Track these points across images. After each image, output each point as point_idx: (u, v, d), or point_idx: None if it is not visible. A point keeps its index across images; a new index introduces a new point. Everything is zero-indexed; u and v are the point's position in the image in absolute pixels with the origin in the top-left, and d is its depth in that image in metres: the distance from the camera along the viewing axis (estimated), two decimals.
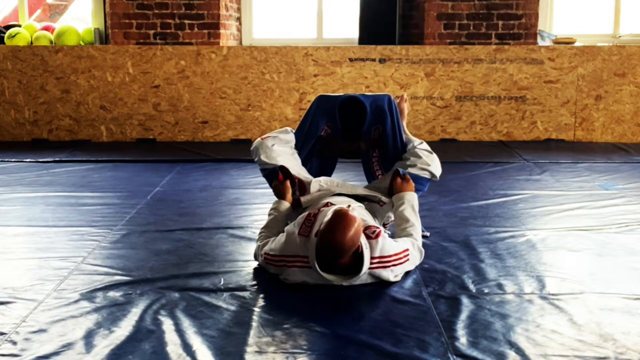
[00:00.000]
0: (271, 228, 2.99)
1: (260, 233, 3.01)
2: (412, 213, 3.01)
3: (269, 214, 3.08)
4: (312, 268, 2.61)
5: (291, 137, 3.34)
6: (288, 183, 3.12)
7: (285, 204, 3.08)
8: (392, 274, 2.70)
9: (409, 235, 2.90)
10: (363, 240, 2.60)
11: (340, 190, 3.14)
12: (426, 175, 3.25)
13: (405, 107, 3.67)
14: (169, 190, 4.40)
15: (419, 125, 6.09)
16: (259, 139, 3.32)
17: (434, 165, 3.28)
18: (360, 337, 2.27)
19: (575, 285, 2.72)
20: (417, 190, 3.18)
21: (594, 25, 6.86)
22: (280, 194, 3.11)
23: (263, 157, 3.21)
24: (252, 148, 3.31)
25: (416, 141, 3.38)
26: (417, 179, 3.19)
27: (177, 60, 6.05)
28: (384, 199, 3.14)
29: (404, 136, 3.41)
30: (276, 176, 3.14)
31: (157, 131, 6.15)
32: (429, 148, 3.35)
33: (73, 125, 6.14)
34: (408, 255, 2.77)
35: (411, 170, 3.21)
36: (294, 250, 2.68)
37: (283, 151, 3.25)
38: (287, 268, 2.70)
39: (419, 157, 3.26)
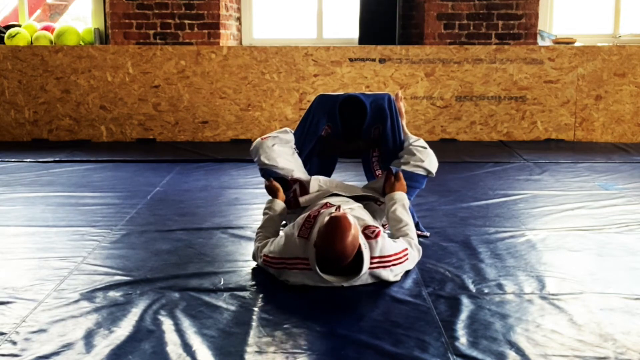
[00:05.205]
0: (268, 228, 2.99)
1: (257, 234, 3.01)
2: (403, 212, 3.00)
3: (264, 213, 3.08)
4: (313, 270, 2.60)
5: (291, 137, 3.34)
6: (274, 182, 3.13)
7: (280, 203, 3.08)
8: (392, 274, 2.70)
9: (405, 235, 2.90)
10: (362, 240, 2.60)
11: (339, 190, 3.14)
12: (420, 172, 3.22)
13: (402, 105, 3.65)
14: (169, 190, 4.40)
15: (419, 125, 6.09)
16: (259, 139, 3.32)
17: (427, 161, 3.24)
18: (360, 337, 2.27)
19: (575, 285, 2.72)
20: (413, 188, 3.17)
21: (594, 25, 6.86)
22: (272, 194, 3.13)
23: (263, 158, 3.21)
24: (251, 148, 3.30)
25: (412, 138, 3.34)
26: (411, 176, 3.17)
27: (177, 60, 6.05)
28: (382, 198, 3.14)
29: (402, 135, 3.40)
30: (273, 177, 3.15)
31: (157, 131, 6.15)
32: (424, 144, 3.31)
33: (73, 125, 6.14)
34: (407, 254, 2.77)
35: (405, 167, 3.18)
36: (294, 252, 2.67)
37: (283, 151, 3.25)
38: (287, 270, 2.69)
39: (413, 154, 3.23)
